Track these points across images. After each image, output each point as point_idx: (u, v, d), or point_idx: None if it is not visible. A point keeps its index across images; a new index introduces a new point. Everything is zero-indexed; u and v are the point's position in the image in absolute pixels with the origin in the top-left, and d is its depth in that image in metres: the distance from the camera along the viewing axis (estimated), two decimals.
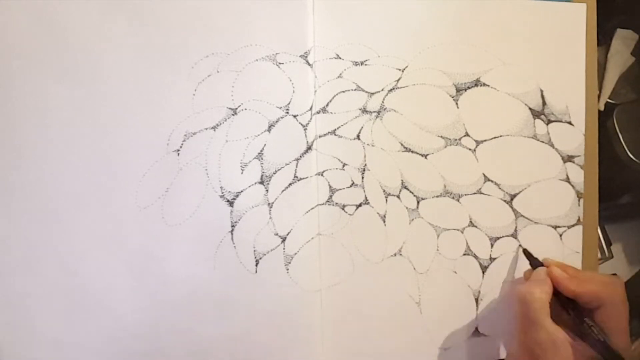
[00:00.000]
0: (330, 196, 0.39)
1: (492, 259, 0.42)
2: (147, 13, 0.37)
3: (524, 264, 0.41)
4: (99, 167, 0.37)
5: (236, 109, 0.38)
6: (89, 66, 0.36)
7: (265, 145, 0.38)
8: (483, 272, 0.42)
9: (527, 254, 0.41)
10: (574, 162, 0.42)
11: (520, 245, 0.42)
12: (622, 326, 0.35)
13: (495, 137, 0.41)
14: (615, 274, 0.45)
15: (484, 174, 0.41)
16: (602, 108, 0.52)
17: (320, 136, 0.39)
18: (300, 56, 0.38)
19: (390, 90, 0.40)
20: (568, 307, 0.36)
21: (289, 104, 0.38)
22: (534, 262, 0.40)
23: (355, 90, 0.39)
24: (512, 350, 0.39)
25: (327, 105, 0.39)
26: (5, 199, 0.37)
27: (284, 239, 0.39)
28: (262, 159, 0.38)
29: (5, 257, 0.37)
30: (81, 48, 0.36)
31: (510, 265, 0.42)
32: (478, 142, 0.41)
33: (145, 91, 0.37)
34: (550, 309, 0.36)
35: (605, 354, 0.34)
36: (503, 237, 0.42)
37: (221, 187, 0.38)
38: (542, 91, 0.42)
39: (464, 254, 0.41)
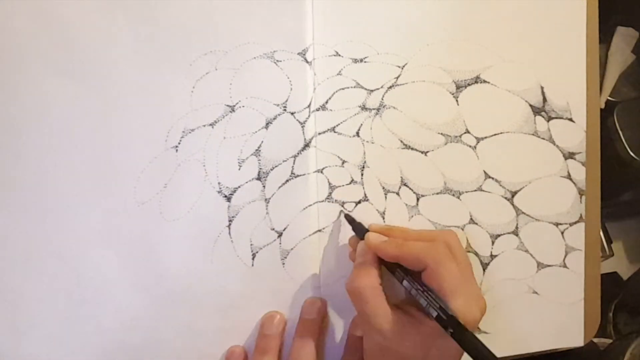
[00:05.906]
0: (330, 193, 0.39)
1: (492, 257, 0.41)
2: (145, 11, 0.37)
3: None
4: (98, 163, 0.37)
5: (234, 106, 0.38)
6: (87, 64, 0.36)
7: (262, 142, 0.38)
8: (484, 270, 0.41)
9: (349, 220, 0.38)
10: (575, 159, 0.42)
11: (342, 211, 0.39)
12: (452, 286, 0.31)
13: (495, 134, 0.41)
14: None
15: (484, 171, 0.41)
16: (602, 106, 0.52)
17: (319, 133, 0.39)
18: (298, 54, 0.38)
19: (390, 87, 0.40)
20: (399, 275, 0.33)
21: (286, 101, 0.38)
22: (358, 230, 0.37)
23: (354, 87, 0.39)
24: (366, 350, 0.35)
25: (326, 102, 0.39)
26: (4, 195, 0.37)
27: (280, 234, 0.39)
28: (259, 155, 0.38)
29: (3, 252, 0.37)
30: (79, 45, 0.36)
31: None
32: (478, 139, 0.41)
33: (144, 88, 0.37)
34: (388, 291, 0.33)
35: (440, 320, 0.30)
36: (504, 234, 0.41)
37: (219, 183, 0.38)
38: (542, 88, 0.42)
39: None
